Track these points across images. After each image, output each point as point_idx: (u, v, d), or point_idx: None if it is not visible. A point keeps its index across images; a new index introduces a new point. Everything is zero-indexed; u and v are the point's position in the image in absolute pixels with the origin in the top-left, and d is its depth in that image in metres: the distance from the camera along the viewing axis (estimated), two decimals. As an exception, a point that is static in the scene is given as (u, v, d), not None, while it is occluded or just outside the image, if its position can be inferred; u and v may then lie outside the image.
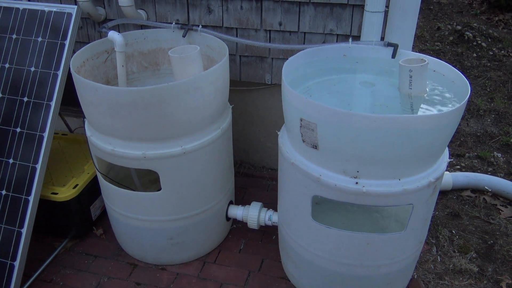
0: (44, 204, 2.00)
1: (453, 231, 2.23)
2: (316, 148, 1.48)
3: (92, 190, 2.16)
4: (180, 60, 1.73)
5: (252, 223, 2.08)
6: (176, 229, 1.94)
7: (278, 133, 1.78)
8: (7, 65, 1.96)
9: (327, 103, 1.63)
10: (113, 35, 1.84)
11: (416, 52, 1.81)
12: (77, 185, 2.04)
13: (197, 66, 1.77)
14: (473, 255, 2.10)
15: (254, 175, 2.66)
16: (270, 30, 2.15)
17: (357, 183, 1.47)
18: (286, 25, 2.11)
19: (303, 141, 1.53)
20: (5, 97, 1.93)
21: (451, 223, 2.29)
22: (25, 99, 1.92)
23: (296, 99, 1.46)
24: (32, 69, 1.93)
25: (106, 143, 1.74)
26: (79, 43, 2.43)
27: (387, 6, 1.92)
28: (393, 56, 1.81)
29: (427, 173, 1.51)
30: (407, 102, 1.59)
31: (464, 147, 2.91)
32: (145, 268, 2.07)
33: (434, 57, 1.72)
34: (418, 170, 1.48)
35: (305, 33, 2.12)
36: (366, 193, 1.46)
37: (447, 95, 1.62)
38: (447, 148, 1.65)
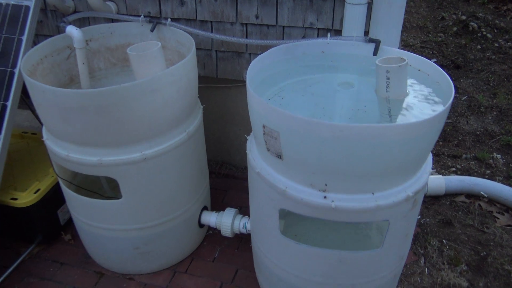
0: (5, 210, 1.89)
1: (444, 241, 2.08)
2: (280, 158, 1.34)
3: (60, 194, 2.03)
4: (138, 58, 1.59)
5: (226, 231, 1.95)
6: (141, 238, 1.82)
7: (247, 138, 1.63)
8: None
9: (300, 107, 1.50)
10: (71, 30, 1.70)
11: (406, 50, 1.65)
12: (39, 189, 1.92)
13: (159, 65, 1.63)
14: (464, 268, 1.94)
15: (235, 176, 2.53)
16: (246, 24, 1.99)
17: (325, 197, 1.33)
18: (264, 18, 1.95)
19: (268, 149, 1.38)
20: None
21: (442, 231, 2.13)
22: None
23: (258, 104, 1.32)
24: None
25: (61, 147, 1.61)
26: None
27: (370, -2, 1.75)
28: (375, 53, 1.65)
29: (404, 186, 1.35)
30: (385, 107, 1.43)
31: (462, 147, 2.74)
32: (112, 277, 1.96)
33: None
34: (394, 184, 1.33)
35: (283, 26, 1.96)
36: (336, 208, 1.31)
37: (431, 98, 1.45)
38: (430, 156, 1.50)
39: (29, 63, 1.66)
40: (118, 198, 1.68)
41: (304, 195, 1.34)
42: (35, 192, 1.90)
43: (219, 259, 2.04)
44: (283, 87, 1.63)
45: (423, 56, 1.55)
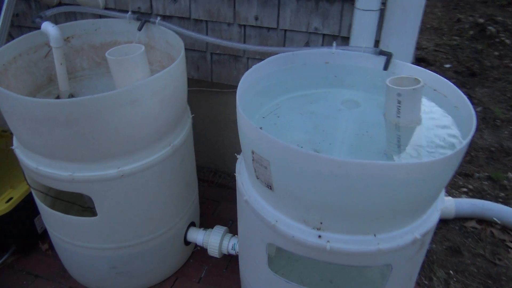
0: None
1: (451, 272, 1.90)
2: (271, 189, 1.17)
3: (36, 201, 1.89)
4: (118, 63, 1.41)
5: (213, 251, 1.79)
6: (119, 257, 1.66)
7: (238, 156, 1.46)
8: None
9: (298, 128, 1.32)
10: (46, 27, 1.53)
11: (418, 65, 1.46)
12: (11, 198, 1.76)
13: (141, 72, 1.45)
14: (471, 304, 1.78)
15: (229, 186, 2.36)
16: (245, 25, 1.81)
17: (320, 236, 1.16)
18: (263, 20, 1.76)
19: (257, 177, 1.21)
20: None
21: (450, 260, 1.96)
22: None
23: (247, 127, 1.14)
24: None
25: (30, 159, 1.45)
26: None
27: (383, 3, 1.56)
28: (385, 67, 1.46)
29: (411, 227, 1.18)
30: (394, 135, 1.25)
31: (474, 164, 2.55)
32: (88, 296, 1.81)
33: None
34: (400, 225, 1.16)
35: (285, 30, 1.77)
36: (331, 250, 1.14)
37: (447, 125, 1.27)
38: (442, 191, 1.32)
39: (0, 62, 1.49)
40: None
41: (296, 232, 1.17)
42: (7, 201, 1.75)
43: (205, 280, 1.89)
44: (280, 103, 1.45)
45: (440, 74, 1.36)
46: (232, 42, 1.63)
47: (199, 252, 2.00)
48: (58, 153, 1.36)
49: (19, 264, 1.94)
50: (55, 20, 2.04)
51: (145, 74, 1.48)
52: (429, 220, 1.21)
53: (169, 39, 1.69)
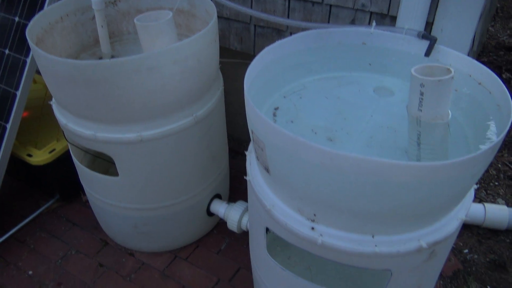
0: (24, 164, 1.91)
1: (488, 287, 1.71)
2: (268, 172, 1.11)
3: (80, 155, 2.01)
4: (144, 29, 1.42)
5: (232, 226, 1.79)
6: (140, 218, 1.72)
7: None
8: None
9: (317, 113, 1.23)
10: (89, -11, 1.57)
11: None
12: (54, 149, 1.89)
13: (167, 39, 1.44)
14: (504, 327, 1.59)
15: (266, 163, 2.32)
16: (289, -2, 1.71)
17: (313, 228, 1.09)
18: (308, -7, 1.65)
19: (257, 159, 1.16)
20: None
21: (490, 275, 1.76)
22: (6, 51, 1.78)
23: (248, 105, 1.09)
24: (16, 19, 1.77)
25: (62, 115, 1.54)
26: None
27: (438, -20, 1.37)
28: (427, 54, 1.30)
29: (418, 234, 1.06)
30: (414, 131, 1.11)
31: (547, 173, 2.23)
32: (114, 249, 1.92)
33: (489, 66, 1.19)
34: (403, 229, 1.05)
35: (330, 5, 1.64)
36: (323, 245, 1.07)
37: (483, 125, 1.10)
38: (470, 195, 1.16)
39: (45, 21, 1.57)
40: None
41: (290, 221, 1.11)
42: (50, 152, 1.88)
43: (224, 252, 1.90)
44: (306, 83, 1.37)
45: (490, 69, 1.18)
46: (273, 16, 1.56)
47: (224, 224, 2.01)
48: (82, 111, 1.42)
49: (61, 210, 2.11)
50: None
51: (171, 41, 1.47)
52: (443, 229, 1.08)
53: (208, 8, 1.66)
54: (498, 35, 3.45)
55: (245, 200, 1.79)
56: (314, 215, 1.07)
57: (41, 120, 2.09)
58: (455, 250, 1.86)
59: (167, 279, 1.78)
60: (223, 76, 1.74)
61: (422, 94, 1.05)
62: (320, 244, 1.07)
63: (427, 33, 1.29)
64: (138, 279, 1.79)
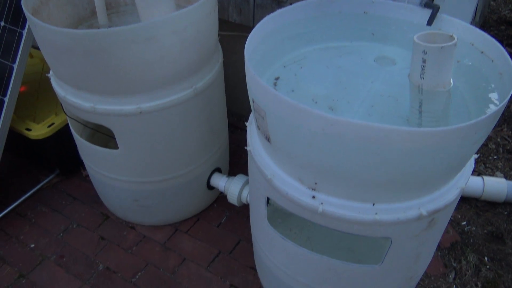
0: (23, 138, 1.90)
1: (485, 258, 1.73)
2: (269, 141, 1.11)
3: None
4: (142, -2, 1.39)
5: (232, 199, 1.79)
6: (140, 192, 1.73)
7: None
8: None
9: (317, 82, 1.22)
10: (85, -43, 1.54)
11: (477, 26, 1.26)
12: (53, 123, 1.88)
13: (165, 8, 1.42)
14: (500, 296, 1.62)
15: (266, 138, 2.31)
16: (288, -33, 1.68)
17: (314, 197, 1.09)
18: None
19: (258, 128, 1.16)
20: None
21: (487, 246, 1.78)
22: (2, 23, 1.75)
23: (248, 73, 1.08)
24: (10, -11, 1.73)
25: (60, 87, 1.52)
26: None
27: None
28: (429, 22, 1.28)
29: (418, 202, 1.06)
30: (416, 99, 1.10)
31: (546, 147, 2.23)
32: (116, 222, 1.93)
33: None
34: (403, 197, 1.05)
35: (331, -25, 1.61)
36: (323, 213, 1.08)
37: (484, 94, 1.10)
38: (470, 164, 1.17)
39: (41, -10, 1.54)
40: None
41: (290, 190, 1.12)
42: (49, 126, 1.87)
43: (225, 225, 1.91)
44: (306, 53, 1.35)
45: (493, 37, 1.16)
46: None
47: (224, 198, 2.02)
48: (81, 83, 1.41)
49: (61, 185, 2.11)
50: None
51: (170, 11, 1.44)
52: (443, 198, 1.08)
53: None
54: (500, 9, 3.41)
55: (245, 174, 1.80)
56: (315, 183, 1.07)
57: (39, 95, 2.08)
58: (453, 223, 1.88)
59: (168, 251, 1.80)
60: (222, 50, 1.72)
61: (424, 61, 1.04)
62: (320, 213, 1.07)
63: (430, 2, 1.27)
64: (140, 251, 1.81)
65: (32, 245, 1.84)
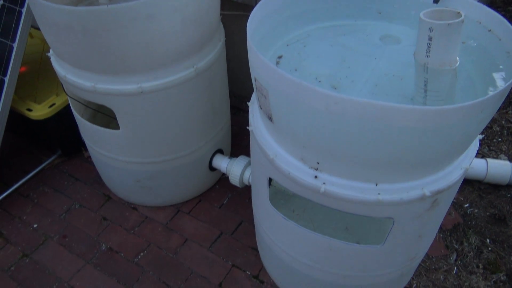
0: (24, 119, 1.89)
1: (487, 240, 1.73)
2: (271, 120, 1.10)
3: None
4: (142, -26, 1.36)
5: (234, 180, 1.79)
6: (142, 172, 1.73)
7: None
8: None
9: (321, 61, 1.20)
10: None
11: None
12: (54, 104, 1.87)
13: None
14: (502, 278, 1.62)
15: (268, 120, 2.30)
16: None
17: (316, 177, 1.08)
18: None
19: (260, 107, 1.14)
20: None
21: (490, 228, 1.78)
22: (1, 1, 1.72)
23: (250, 51, 1.06)
24: (9, -34, 1.70)
25: (60, 67, 1.50)
26: None
27: None
28: (436, 0, 1.25)
29: (421, 182, 1.05)
30: (421, 77, 1.08)
31: (551, 130, 2.21)
32: (118, 203, 1.94)
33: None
34: (406, 177, 1.04)
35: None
36: (326, 193, 1.07)
37: (489, 73, 1.08)
38: (475, 144, 1.15)
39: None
40: (117, 129, 1.57)
41: (292, 170, 1.11)
42: (50, 106, 1.86)
43: (227, 206, 1.92)
44: (310, 31, 1.32)
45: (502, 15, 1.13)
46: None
47: (226, 179, 2.02)
48: (81, 62, 1.39)
49: (63, 166, 2.11)
50: None
51: (171, -12, 1.41)
52: (447, 178, 1.07)
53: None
54: (508, -10, 3.34)
55: (247, 156, 1.79)
56: (317, 163, 1.06)
57: (39, 75, 2.06)
58: (456, 205, 1.87)
59: (170, 232, 1.81)
60: (224, 31, 1.69)
61: (430, 39, 1.01)
62: (323, 192, 1.07)
63: (437, -22, 1.24)
64: (142, 232, 1.81)
65: (35, 225, 1.85)
